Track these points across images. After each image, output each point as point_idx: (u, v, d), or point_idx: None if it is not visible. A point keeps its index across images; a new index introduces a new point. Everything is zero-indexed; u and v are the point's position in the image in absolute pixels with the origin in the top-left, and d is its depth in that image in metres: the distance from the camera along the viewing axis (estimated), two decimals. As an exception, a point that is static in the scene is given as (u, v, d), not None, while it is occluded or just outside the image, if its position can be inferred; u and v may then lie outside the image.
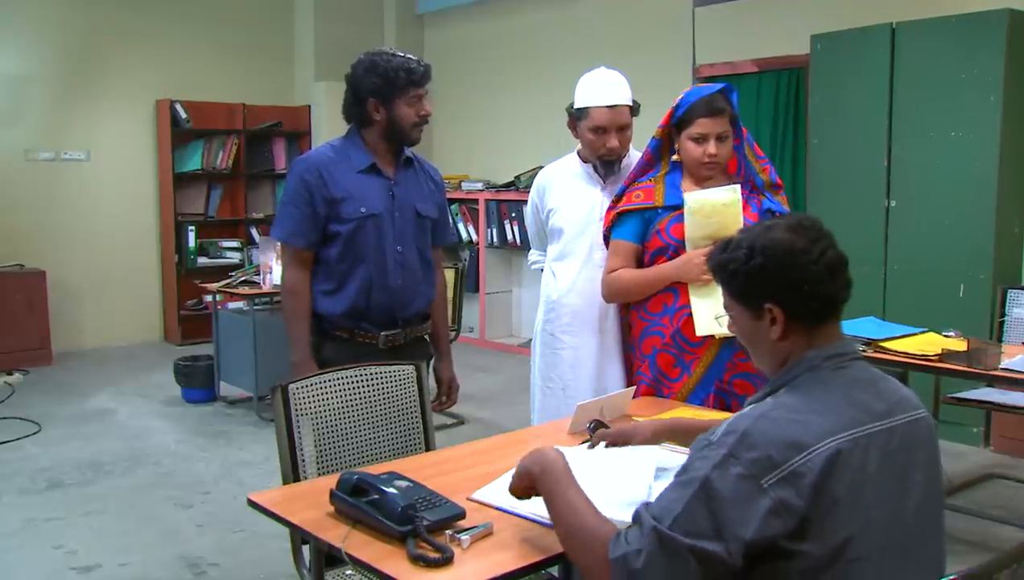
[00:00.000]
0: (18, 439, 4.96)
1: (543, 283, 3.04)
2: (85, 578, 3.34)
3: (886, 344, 3.27)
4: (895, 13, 4.89)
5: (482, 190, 7.47)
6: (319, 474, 2.22)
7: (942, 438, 2.36)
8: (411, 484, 1.73)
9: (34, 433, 5.07)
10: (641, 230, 2.68)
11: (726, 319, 1.65)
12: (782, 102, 5.84)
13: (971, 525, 3.60)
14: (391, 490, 1.67)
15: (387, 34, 8.32)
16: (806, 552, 1.35)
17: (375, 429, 2.37)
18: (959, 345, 3.20)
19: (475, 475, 1.95)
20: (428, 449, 2.44)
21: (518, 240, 7.24)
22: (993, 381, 3.19)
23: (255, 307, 5.37)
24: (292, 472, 2.19)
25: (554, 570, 1.92)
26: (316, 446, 2.25)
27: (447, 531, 1.63)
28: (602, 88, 2.79)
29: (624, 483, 1.84)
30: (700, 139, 2.58)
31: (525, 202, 3.33)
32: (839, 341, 1.53)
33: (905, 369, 3.23)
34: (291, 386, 2.24)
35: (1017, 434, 4.52)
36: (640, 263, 2.69)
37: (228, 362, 5.65)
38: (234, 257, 7.66)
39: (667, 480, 1.45)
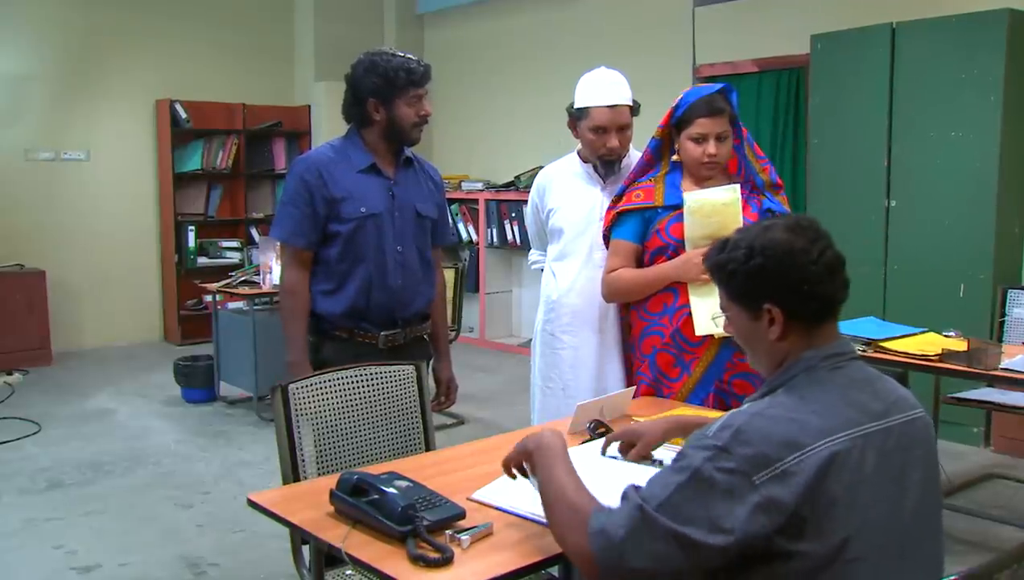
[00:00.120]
0: (18, 439, 4.96)
1: (543, 283, 3.04)
2: (85, 578, 3.34)
3: (886, 344, 3.27)
4: (895, 13, 4.89)
5: (482, 190, 7.47)
6: (319, 474, 2.22)
7: (942, 438, 2.37)
8: (411, 484, 1.73)
9: (34, 433, 5.07)
10: (641, 230, 2.68)
11: (723, 319, 1.64)
12: (782, 102, 5.84)
13: (971, 525, 3.60)
14: (391, 490, 1.67)
15: (387, 34, 8.32)
16: (804, 552, 1.35)
17: (375, 429, 2.37)
18: (959, 345, 3.20)
19: (475, 475, 1.95)
20: (428, 449, 2.44)
21: (518, 240, 7.24)
22: (993, 381, 3.19)
23: (255, 307, 5.37)
24: (292, 472, 2.19)
25: (554, 570, 1.92)
26: (316, 446, 2.25)
27: (447, 531, 1.63)
28: (602, 88, 2.79)
29: (625, 480, 1.84)
30: (700, 139, 2.58)
31: (525, 202, 3.33)
32: (836, 341, 1.53)
33: (905, 369, 3.23)
34: (291, 386, 2.24)
35: (1017, 434, 4.52)
36: (640, 263, 2.69)
37: (228, 362, 5.65)
38: (234, 257, 7.66)
39: None
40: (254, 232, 7.90)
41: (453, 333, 5.22)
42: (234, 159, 7.76)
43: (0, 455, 4.70)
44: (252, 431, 5.13)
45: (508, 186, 7.34)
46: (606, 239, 2.77)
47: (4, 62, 6.92)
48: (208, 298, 6.75)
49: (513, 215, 7.23)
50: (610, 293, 2.75)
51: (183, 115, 7.54)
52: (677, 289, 2.59)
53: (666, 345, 2.62)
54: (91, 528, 3.78)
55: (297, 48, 8.28)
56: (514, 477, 1.73)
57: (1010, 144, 4.55)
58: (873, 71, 4.88)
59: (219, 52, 7.86)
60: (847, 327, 3.38)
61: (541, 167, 3.53)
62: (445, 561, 1.53)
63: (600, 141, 2.80)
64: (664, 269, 2.61)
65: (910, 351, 3.23)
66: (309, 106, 8.10)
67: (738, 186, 2.60)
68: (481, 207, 7.47)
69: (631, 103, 2.83)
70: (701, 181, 2.64)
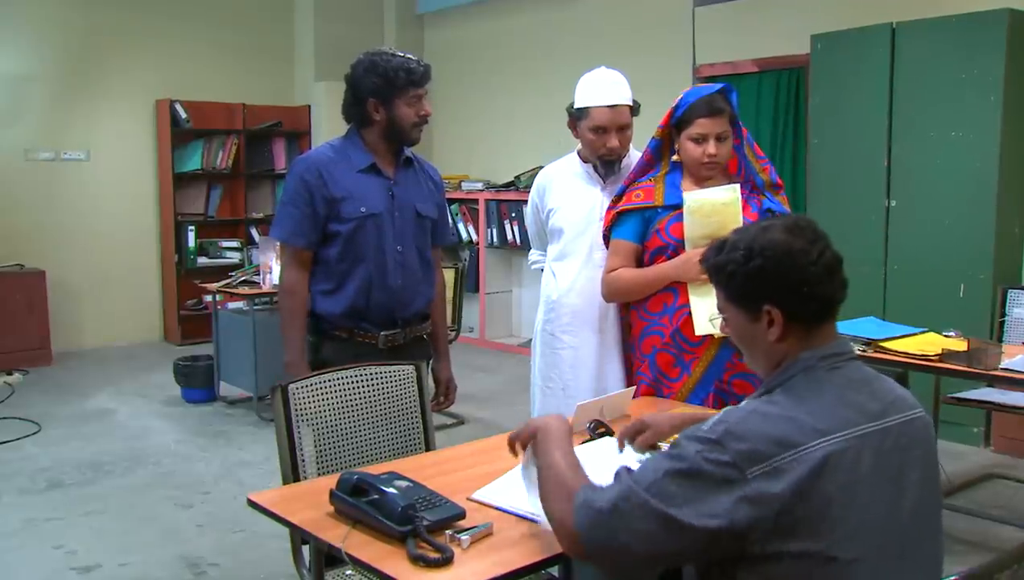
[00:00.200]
0: (18, 439, 4.96)
1: (543, 283, 3.04)
2: (85, 578, 3.34)
3: (886, 344, 3.27)
4: (895, 13, 4.89)
5: (482, 190, 7.47)
6: (319, 474, 2.22)
7: (942, 438, 2.36)
8: (411, 484, 1.73)
9: (34, 433, 5.07)
10: (641, 230, 2.68)
11: (720, 321, 1.64)
12: (782, 102, 5.84)
13: (971, 525, 3.60)
14: (391, 490, 1.67)
15: (387, 34, 8.32)
16: (799, 552, 1.35)
17: (375, 429, 2.37)
18: (959, 345, 3.20)
19: (475, 475, 1.95)
20: (428, 449, 2.45)
21: (518, 240, 7.24)
22: (993, 381, 3.19)
23: (255, 307, 5.37)
24: (292, 472, 2.20)
25: (554, 570, 1.92)
26: (316, 446, 2.25)
27: (447, 531, 1.63)
28: (602, 88, 2.79)
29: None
30: (700, 139, 2.58)
31: (525, 202, 3.33)
32: (834, 341, 1.53)
33: (905, 369, 3.23)
34: (291, 386, 2.24)
35: (1017, 434, 4.52)
36: (640, 263, 2.70)
37: (228, 362, 5.65)
38: (234, 257, 7.66)
39: None
40: (254, 232, 7.90)
41: (453, 333, 5.22)
42: (234, 159, 7.76)
43: (0, 455, 4.70)
44: (252, 431, 5.13)
45: (508, 186, 7.34)
46: (606, 239, 2.77)
47: (4, 62, 6.92)
48: (208, 298, 6.75)
49: (513, 215, 7.23)
50: (610, 293, 2.75)
51: (183, 115, 7.54)
52: (677, 289, 2.59)
53: (666, 345, 2.62)
54: (91, 528, 3.78)
55: (297, 48, 8.28)
56: (515, 454, 1.75)
57: (1010, 144, 4.55)
58: (873, 71, 4.88)
59: (219, 52, 7.86)
60: (847, 327, 3.38)
61: (541, 167, 3.53)
62: (445, 561, 1.53)
63: (600, 141, 2.80)
64: (664, 269, 2.61)
65: (910, 351, 3.23)
66: (309, 106, 8.10)
67: (738, 186, 2.60)
68: (481, 207, 7.47)
69: (631, 103, 2.83)
70: (701, 181, 2.64)
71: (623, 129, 2.81)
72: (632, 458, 1.96)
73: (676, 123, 2.64)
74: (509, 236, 7.35)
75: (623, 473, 1.44)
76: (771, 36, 5.82)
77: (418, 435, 2.46)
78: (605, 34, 6.83)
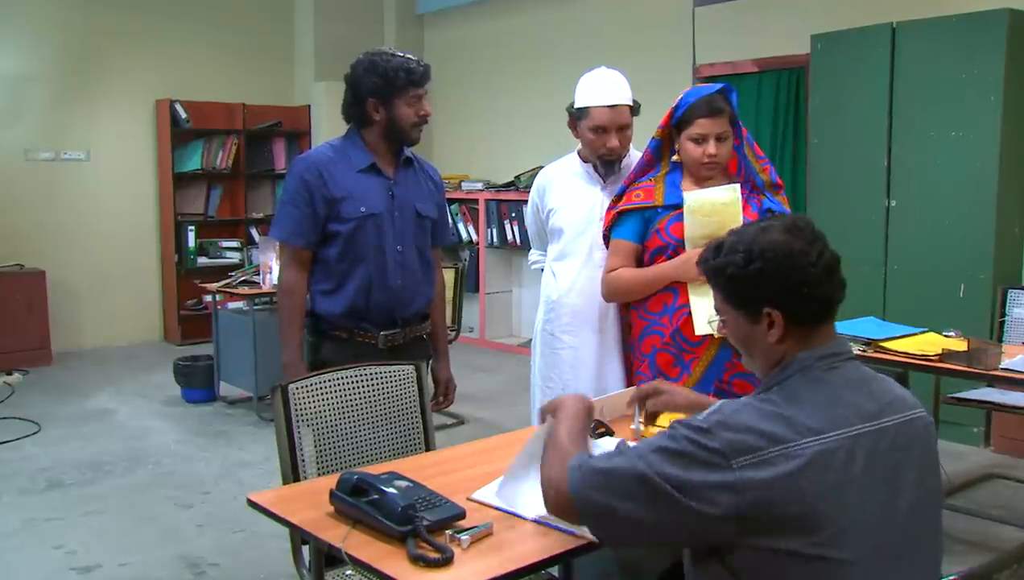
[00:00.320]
0: (18, 439, 4.96)
1: (543, 283, 3.04)
2: (85, 578, 3.34)
3: (886, 344, 3.27)
4: (895, 13, 4.89)
5: (482, 190, 7.47)
6: (319, 474, 2.22)
7: (942, 438, 2.36)
8: (411, 484, 1.73)
9: (34, 433, 5.07)
10: (641, 230, 2.68)
11: (718, 322, 1.64)
12: (782, 102, 5.84)
13: (971, 525, 3.60)
14: (391, 490, 1.67)
15: (387, 34, 8.32)
16: (790, 551, 1.35)
17: (375, 429, 2.37)
18: (959, 345, 3.20)
19: (475, 475, 1.95)
20: (428, 449, 2.45)
21: (518, 240, 7.24)
22: (993, 381, 3.19)
23: (255, 307, 5.37)
24: (292, 472, 2.19)
25: (554, 570, 1.92)
26: (316, 446, 2.25)
27: (447, 531, 1.63)
28: (603, 88, 2.79)
29: None
30: (700, 139, 2.58)
31: (525, 202, 3.33)
32: (833, 341, 1.53)
33: (905, 369, 3.23)
34: (291, 386, 2.24)
35: (1017, 434, 4.52)
36: (640, 263, 2.69)
37: (228, 362, 5.65)
38: (234, 257, 7.66)
39: None
40: (254, 232, 7.90)
41: (453, 333, 5.22)
42: (234, 159, 7.76)
43: (0, 455, 4.70)
44: (252, 431, 5.13)
45: (508, 186, 7.34)
46: (606, 239, 2.77)
47: (4, 62, 6.92)
48: (208, 298, 6.75)
49: (513, 215, 7.23)
50: (610, 293, 2.75)
51: (183, 115, 7.54)
52: (677, 289, 2.59)
53: (666, 345, 2.62)
54: (91, 528, 3.78)
55: (297, 48, 8.28)
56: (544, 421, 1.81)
57: (1010, 144, 4.54)
58: (873, 71, 4.88)
59: (219, 52, 7.86)
60: (847, 327, 3.38)
61: (541, 167, 3.53)
62: (445, 561, 1.53)
63: (600, 141, 2.81)
64: (664, 269, 2.61)
65: (910, 351, 3.23)
66: (309, 106, 8.10)
67: (738, 186, 2.60)
68: (481, 207, 7.47)
69: (631, 103, 2.83)
70: (701, 181, 2.64)
71: (623, 129, 2.81)
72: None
73: (676, 123, 2.64)
74: (509, 236, 7.35)
75: (621, 444, 1.52)
76: (771, 36, 5.82)
77: (418, 435, 2.46)
78: (605, 34, 6.83)
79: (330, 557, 1.73)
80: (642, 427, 2.13)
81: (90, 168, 7.35)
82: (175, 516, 3.92)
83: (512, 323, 7.83)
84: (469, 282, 7.23)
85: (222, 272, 6.35)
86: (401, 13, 8.33)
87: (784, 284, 1.50)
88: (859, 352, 3.22)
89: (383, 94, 2.63)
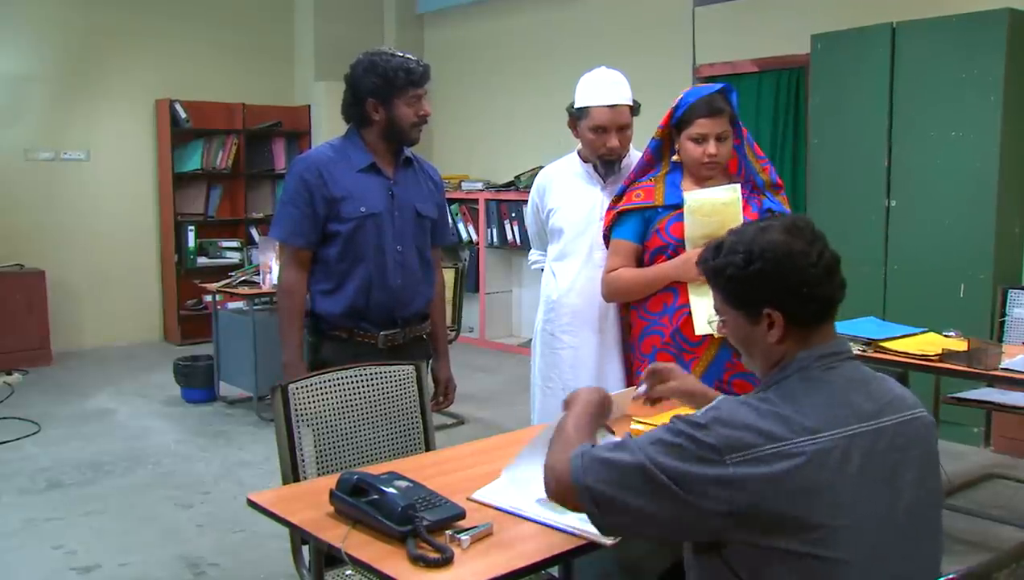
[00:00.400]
0: (18, 439, 4.96)
1: (543, 283, 3.04)
2: (85, 578, 3.34)
3: (886, 344, 3.27)
4: (895, 13, 4.89)
5: (482, 190, 7.47)
6: (319, 474, 2.22)
7: (942, 438, 2.36)
8: (411, 484, 1.73)
9: (34, 433, 5.07)
10: (641, 229, 2.68)
11: (718, 322, 1.64)
12: (782, 102, 5.84)
13: (971, 525, 3.60)
14: (391, 490, 1.67)
15: (387, 34, 8.32)
16: (786, 550, 1.36)
17: (375, 429, 2.37)
18: (959, 345, 3.20)
19: (475, 475, 1.95)
20: (428, 449, 2.44)
21: (518, 240, 7.24)
22: (993, 381, 3.19)
23: (255, 307, 5.37)
24: (292, 472, 2.19)
25: (554, 570, 1.92)
26: (316, 446, 2.25)
27: (447, 531, 1.63)
28: (603, 88, 2.79)
29: None
30: (700, 139, 2.58)
31: (525, 202, 3.33)
32: (832, 341, 1.53)
33: (905, 369, 3.23)
34: (291, 386, 2.24)
35: (1017, 434, 4.52)
36: (640, 263, 2.69)
37: (228, 362, 5.65)
38: (234, 257, 7.66)
39: None
40: (254, 232, 7.90)
41: (453, 333, 5.22)
42: (234, 159, 7.76)
43: (0, 455, 4.70)
44: (252, 431, 5.13)
45: (508, 186, 7.34)
46: (606, 239, 2.77)
47: (4, 62, 6.92)
48: (208, 298, 6.75)
49: (513, 215, 7.23)
50: (610, 293, 2.75)
51: (183, 115, 7.54)
52: (677, 289, 2.59)
53: (666, 345, 2.62)
54: (91, 528, 3.78)
55: (297, 48, 8.28)
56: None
57: (1010, 144, 4.55)
58: (873, 71, 4.88)
59: (219, 52, 7.86)
60: (847, 327, 3.38)
61: (541, 167, 3.53)
62: (445, 561, 1.53)
63: (600, 141, 2.81)
64: (664, 269, 2.61)
65: (910, 351, 3.23)
66: (309, 106, 8.10)
67: (738, 186, 2.60)
68: (481, 207, 7.47)
69: (631, 103, 2.83)
70: (701, 181, 2.64)
71: (623, 129, 2.81)
72: None
73: (676, 123, 2.64)
74: (509, 236, 7.35)
75: (625, 436, 1.53)
76: (771, 36, 5.82)
77: (418, 435, 2.46)
78: (605, 34, 6.83)
79: (330, 557, 1.73)
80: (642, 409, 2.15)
81: (90, 168, 7.35)
82: (175, 516, 3.92)
83: (512, 323, 7.83)
84: (469, 282, 7.23)
85: (222, 272, 6.35)
86: (401, 13, 8.33)
87: (784, 284, 1.50)
88: (859, 352, 3.22)
89: (383, 94, 2.63)
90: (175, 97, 7.50)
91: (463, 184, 7.65)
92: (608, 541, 1.61)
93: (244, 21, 7.98)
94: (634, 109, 2.84)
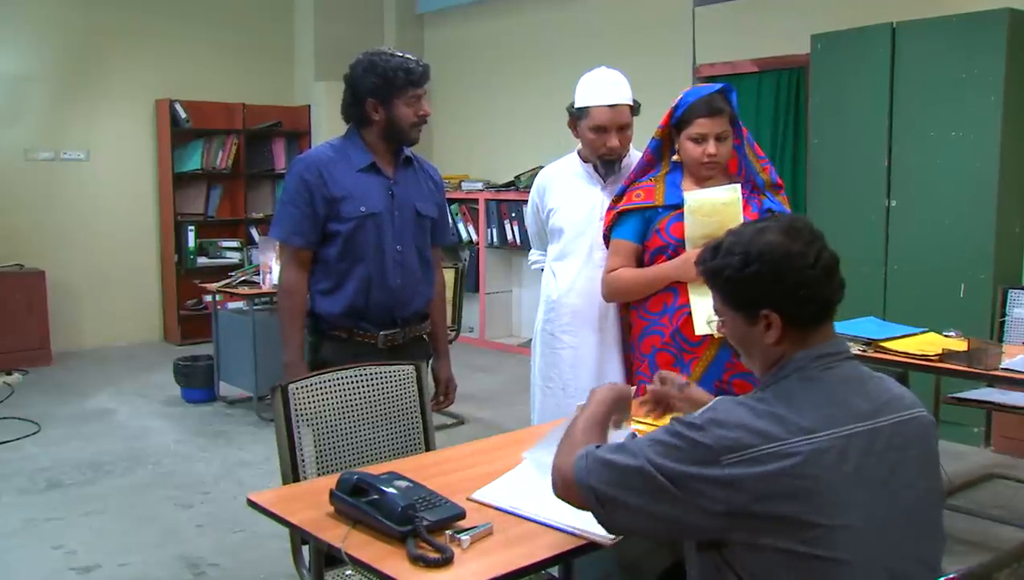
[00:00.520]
0: (18, 439, 4.96)
1: (543, 283, 3.04)
2: (85, 578, 3.34)
3: (886, 344, 3.27)
4: (895, 13, 4.89)
5: (482, 190, 7.47)
6: (319, 474, 2.22)
7: (942, 438, 2.36)
8: (411, 484, 1.73)
9: (34, 433, 5.07)
10: (641, 229, 2.68)
11: (718, 322, 1.65)
12: (782, 102, 5.84)
13: (971, 525, 3.60)
14: (391, 490, 1.67)
15: (387, 34, 8.32)
16: (785, 549, 1.36)
17: (375, 429, 2.37)
18: (959, 345, 3.20)
19: (475, 475, 1.95)
20: (428, 449, 2.44)
21: (518, 240, 7.24)
22: (993, 381, 3.19)
23: (255, 307, 5.37)
24: (292, 472, 2.19)
25: (554, 570, 1.92)
26: (316, 446, 2.25)
27: (447, 531, 1.63)
28: (603, 87, 2.79)
29: None
30: (699, 139, 2.58)
31: (525, 202, 3.33)
32: (830, 341, 1.53)
33: (905, 369, 3.23)
34: (291, 386, 2.24)
35: (1017, 434, 4.52)
36: (640, 263, 2.69)
37: (228, 362, 5.65)
38: (234, 257, 7.66)
39: None
40: (254, 232, 7.90)
41: (453, 333, 5.22)
42: (234, 159, 7.76)
43: (0, 455, 4.70)
44: (252, 431, 5.13)
45: (508, 186, 7.34)
46: (606, 239, 2.77)
47: (4, 62, 6.92)
48: (208, 298, 6.75)
49: (513, 215, 7.23)
50: (610, 293, 2.75)
51: (183, 115, 7.54)
52: (677, 289, 2.59)
53: (666, 345, 2.62)
54: (91, 528, 3.78)
55: (297, 48, 8.28)
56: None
57: (1010, 144, 4.54)
58: (873, 71, 4.88)
59: (219, 52, 7.86)
60: (847, 327, 3.38)
61: (541, 167, 3.53)
62: (445, 561, 1.53)
63: (600, 141, 2.80)
64: (664, 269, 2.61)
65: (910, 351, 3.23)
66: (309, 106, 8.10)
67: (739, 186, 2.59)
68: (481, 207, 7.47)
69: (631, 103, 2.82)
70: (701, 181, 2.64)
71: (623, 129, 2.81)
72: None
73: (676, 123, 2.64)
74: (509, 236, 7.35)
75: (628, 436, 1.54)
76: (771, 36, 5.81)
77: (418, 435, 2.46)
78: (605, 34, 6.82)
79: (330, 557, 1.73)
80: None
81: (90, 168, 7.35)
82: (175, 516, 3.92)
83: (512, 323, 7.83)
84: (469, 282, 7.23)
85: (222, 272, 6.35)
86: (401, 13, 8.33)
87: (781, 286, 1.50)
88: (859, 352, 3.22)
89: (382, 94, 2.63)
90: (175, 97, 7.50)
91: (463, 184, 7.65)
92: (608, 541, 1.61)
93: (244, 21, 7.98)
94: (634, 109, 2.84)
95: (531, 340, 3.21)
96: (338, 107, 2.76)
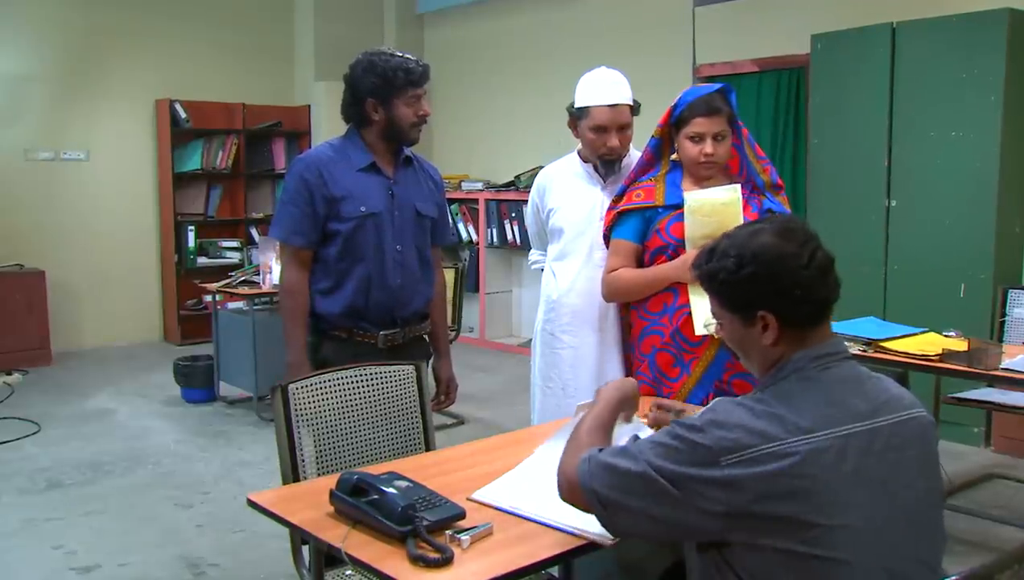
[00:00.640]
0: (18, 439, 4.96)
1: (543, 283, 3.04)
2: (85, 578, 3.34)
3: (886, 344, 3.26)
4: (895, 13, 4.89)
5: (482, 190, 7.47)
6: (319, 474, 2.22)
7: (942, 438, 2.36)
8: (411, 484, 1.73)
9: (34, 433, 5.07)
10: (642, 229, 2.68)
11: (716, 325, 1.65)
12: (782, 102, 5.84)
13: (971, 525, 3.60)
14: (391, 490, 1.67)
15: (387, 34, 8.32)
16: (784, 549, 1.36)
17: (375, 429, 2.37)
18: (960, 345, 3.20)
19: (475, 475, 1.95)
20: (428, 449, 2.44)
21: (518, 240, 7.24)
22: (994, 381, 3.18)
23: (255, 307, 5.37)
24: (292, 472, 2.19)
25: (554, 570, 1.92)
26: (316, 446, 2.25)
27: (447, 531, 1.63)
28: (603, 87, 2.79)
29: None
30: (697, 138, 2.58)
31: (525, 202, 3.33)
32: (828, 341, 1.54)
33: (905, 369, 3.23)
34: (291, 386, 2.24)
35: (1017, 434, 4.52)
36: (640, 263, 2.69)
37: (228, 362, 5.65)
38: (234, 257, 7.66)
39: None
40: (254, 232, 7.90)
41: (453, 333, 5.22)
42: (234, 159, 7.76)
43: (0, 455, 4.70)
44: (252, 431, 5.13)
45: (508, 186, 7.34)
46: (606, 239, 2.77)
47: (4, 62, 6.92)
48: (208, 298, 6.75)
49: (513, 215, 7.23)
50: (610, 293, 2.75)
51: (183, 115, 7.54)
52: (677, 289, 2.59)
53: (666, 345, 2.61)
54: (91, 528, 3.78)
55: (297, 48, 8.28)
56: None
57: (1010, 144, 4.54)
58: (873, 71, 4.88)
59: (219, 52, 7.86)
60: (847, 327, 3.38)
61: (541, 167, 3.53)
62: (445, 561, 1.53)
63: (600, 140, 2.80)
64: (663, 269, 2.61)
65: (910, 351, 3.22)
66: (309, 106, 8.10)
67: (739, 186, 2.59)
68: (481, 207, 7.47)
69: (631, 102, 2.82)
70: (700, 181, 2.64)
71: (623, 128, 2.81)
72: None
73: (675, 122, 2.64)
74: (509, 236, 7.35)
75: (631, 439, 1.55)
76: (771, 36, 5.81)
77: (418, 435, 2.46)
78: (605, 34, 6.82)
79: (330, 557, 1.73)
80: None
81: (90, 168, 7.35)
82: (175, 516, 3.92)
83: (512, 323, 7.83)
84: (469, 282, 7.24)
85: (222, 272, 6.36)
86: (401, 13, 8.33)
87: (776, 287, 1.50)
88: (859, 352, 3.22)
89: (382, 94, 2.63)
90: (175, 97, 7.50)
91: (463, 184, 7.65)
92: (608, 541, 1.61)
93: (244, 21, 7.98)
94: (634, 109, 2.84)
95: (531, 340, 3.21)
96: (338, 107, 2.76)
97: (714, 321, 1.65)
